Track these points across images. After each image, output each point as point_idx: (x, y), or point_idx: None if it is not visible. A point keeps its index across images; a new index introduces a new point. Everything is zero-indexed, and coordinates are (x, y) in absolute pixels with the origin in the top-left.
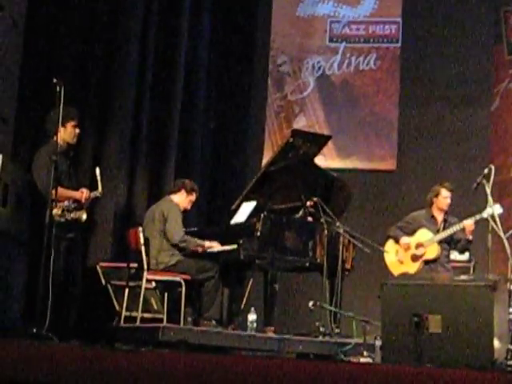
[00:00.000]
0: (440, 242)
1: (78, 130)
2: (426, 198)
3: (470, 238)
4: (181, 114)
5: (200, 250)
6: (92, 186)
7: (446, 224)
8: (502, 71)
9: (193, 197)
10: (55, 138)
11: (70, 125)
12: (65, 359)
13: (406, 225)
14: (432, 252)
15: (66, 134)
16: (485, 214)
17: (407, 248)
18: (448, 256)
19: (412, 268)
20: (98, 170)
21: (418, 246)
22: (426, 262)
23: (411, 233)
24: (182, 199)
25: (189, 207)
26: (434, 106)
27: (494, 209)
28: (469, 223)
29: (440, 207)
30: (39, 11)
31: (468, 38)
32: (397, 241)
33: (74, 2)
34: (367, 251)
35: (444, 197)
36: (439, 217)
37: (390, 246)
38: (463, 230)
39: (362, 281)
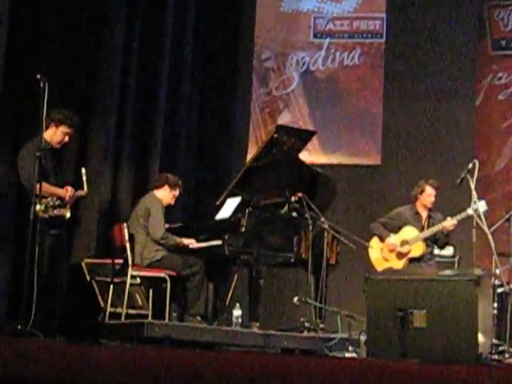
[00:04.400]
0: (425, 240)
1: (67, 139)
2: (411, 194)
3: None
4: (165, 109)
5: (181, 244)
6: (77, 185)
7: (431, 220)
8: (486, 67)
9: (176, 192)
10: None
11: (61, 129)
12: (50, 356)
13: (389, 221)
14: (417, 250)
15: (55, 135)
16: (470, 211)
17: (393, 249)
18: (432, 253)
19: (397, 265)
20: (83, 170)
21: (404, 243)
22: (411, 260)
23: (396, 229)
24: (165, 194)
25: (172, 202)
26: (419, 101)
27: (479, 206)
28: (454, 222)
29: (424, 204)
30: (23, 7)
31: (452, 34)
32: (382, 239)
33: None
34: (352, 246)
35: (428, 194)
36: (423, 213)
37: (374, 242)
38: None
39: (346, 276)
